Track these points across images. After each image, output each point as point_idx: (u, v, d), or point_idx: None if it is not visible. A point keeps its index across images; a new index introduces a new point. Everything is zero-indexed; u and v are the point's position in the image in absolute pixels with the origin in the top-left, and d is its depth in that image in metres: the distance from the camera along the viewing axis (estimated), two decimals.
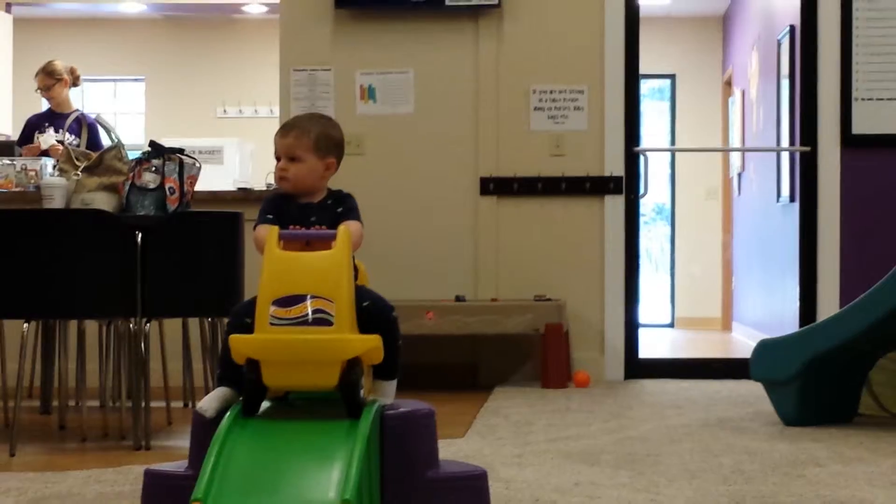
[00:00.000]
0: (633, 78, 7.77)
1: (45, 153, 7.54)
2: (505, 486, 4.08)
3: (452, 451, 4.66)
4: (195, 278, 5.36)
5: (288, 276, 3.24)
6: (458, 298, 7.44)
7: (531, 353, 7.57)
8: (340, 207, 3.52)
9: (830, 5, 7.67)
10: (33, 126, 7.98)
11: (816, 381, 5.58)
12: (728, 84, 13.15)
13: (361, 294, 3.37)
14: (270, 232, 3.33)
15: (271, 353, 3.16)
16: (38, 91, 7.99)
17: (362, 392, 3.20)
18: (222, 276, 5.38)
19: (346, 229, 3.35)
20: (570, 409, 6.21)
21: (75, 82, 8.03)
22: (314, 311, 3.18)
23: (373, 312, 3.36)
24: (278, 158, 3.51)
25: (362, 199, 3.67)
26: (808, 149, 7.78)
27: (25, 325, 5.28)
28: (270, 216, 3.47)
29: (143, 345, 5.25)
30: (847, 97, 7.66)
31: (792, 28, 8.64)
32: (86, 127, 7.60)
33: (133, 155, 5.76)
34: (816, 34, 7.74)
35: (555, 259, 7.64)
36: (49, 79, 7.87)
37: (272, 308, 3.18)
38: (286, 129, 3.53)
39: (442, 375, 7.42)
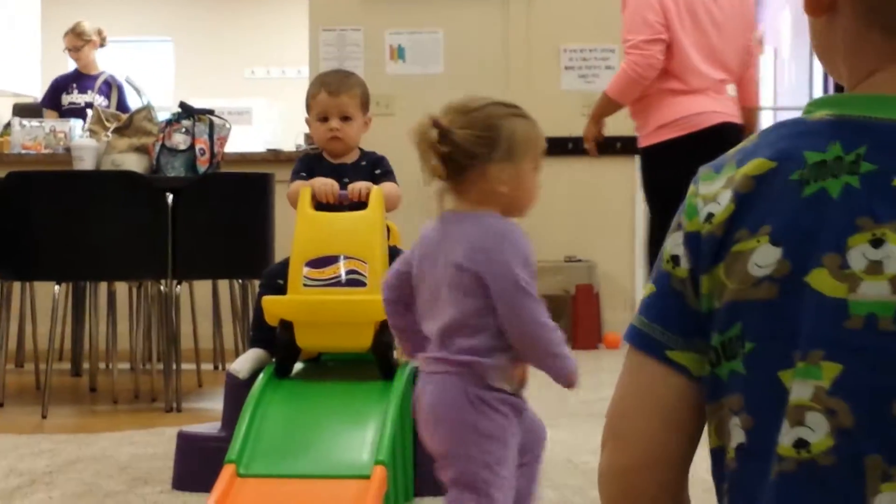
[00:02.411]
0: None
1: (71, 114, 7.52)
2: None
3: None
4: (225, 240, 5.34)
5: (321, 237, 3.22)
6: None
7: (561, 315, 7.53)
8: (378, 170, 3.49)
9: None
10: (60, 87, 7.95)
11: None
12: (759, 42, 13.03)
13: (395, 257, 3.35)
14: (303, 192, 3.31)
15: (304, 315, 3.14)
16: (66, 52, 7.96)
17: (395, 353, 3.18)
18: (253, 237, 5.36)
19: (378, 189, 3.33)
20: (602, 370, 6.17)
21: (102, 43, 8.00)
22: (347, 272, 3.16)
23: None
24: (324, 119, 3.46)
25: (392, 159, 3.64)
26: None
27: (56, 287, 5.27)
28: (304, 174, 3.45)
29: (173, 307, 5.25)
30: None
31: None
32: (115, 88, 7.58)
33: (162, 117, 5.74)
34: None
35: (585, 220, 7.59)
36: (78, 40, 7.84)
37: (305, 269, 3.17)
38: (335, 88, 3.48)
39: None
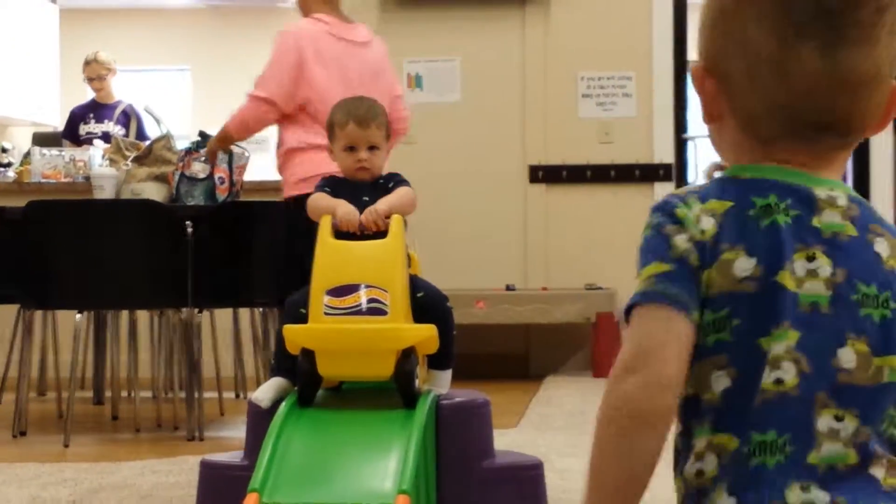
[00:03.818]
0: (681, 64, 7.71)
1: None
2: (560, 477, 4.05)
3: (506, 441, 4.62)
4: (245, 268, 5.36)
5: (341, 266, 3.22)
6: (508, 287, 7.42)
7: (582, 343, 7.53)
8: (392, 182, 3.51)
9: None
10: (77, 117, 8.00)
11: None
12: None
13: (416, 284, 3.35)
14: (324, 219, 3.32)
15: (326, 343, 3.14)
16: (88, 81, 8.01)
17: (417, 382, 3.18)
18: (273, 265, 5.37)
19: (398, 217, 3.34)
20: None
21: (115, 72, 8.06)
22: (368, 301, 3.16)
23: (427, 303, 3.34)
24: (351, 148, 3.48)
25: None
26: None
27: (78, 315, 5.29)
28: (327, 189, 3.47)
29: (194, 335, 5.26)
30: None
31: None
32: (134, 118, 7.62)
33: (181, 145, 5.76)
34: None
35: (605, 247, 7.58)
36: (102, 69, 7.89)
37: (326, 298, 3.17)
38: (364, 119, 3.49)
39: (492, 365, 7.39)
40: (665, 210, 1.32)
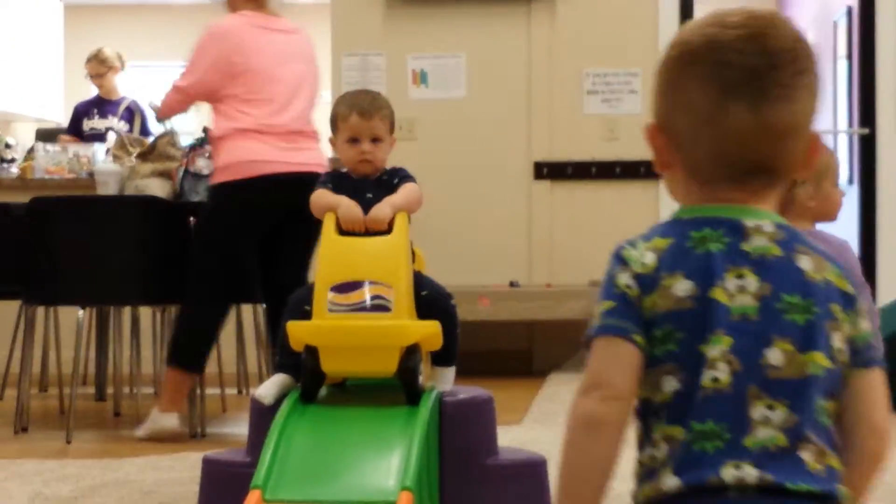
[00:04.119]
0: None
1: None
2: None
3: (510, 437, 4.61)
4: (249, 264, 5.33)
5: (345, 262, 3.21)
6: (512, 284, 7.40)
7: None
8: (396, 178, 3.48)
9: None
10: (81, 113, 7.99)
11: None
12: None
13: (420, 282, 3.33)
14: (328, 216, 3.30)
15: (330, 340, 3.13)
16: (89, 78, 8.00)
17: (421, 378, 3.17)
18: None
19: (403, 215, 3.32)
20: None
21: (123, 67, 8.04)
22: (372, 298, 3.15)
23: (432, 301, 3.32)
24: (354, 140, 3.45)
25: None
26: (866, 131, 7.68)
27: (80, 311, 5.28)
28: (330, 185, 3.44)
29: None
30: None
31: (849, 9, 8.53)
32: (138, 114, 7.60)
33: (185, 142, 5.75)
34: (874, 16, 7.63)
35: (609, 244, 7.36)
36: (101, 66, 7.87)
37: (330, 294, 3.15)
38: (367, 111, 3.47)
39: (496, 361, 7.37)
40: (616, 255, 1.62)
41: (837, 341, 1.58)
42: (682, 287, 1.55)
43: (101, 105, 7.97)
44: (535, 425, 5.16)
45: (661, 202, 7.55)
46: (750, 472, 1.49)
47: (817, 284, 1.57)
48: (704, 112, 1.59)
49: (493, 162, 7.64)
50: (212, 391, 5.67)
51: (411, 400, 3.11)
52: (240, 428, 4.86)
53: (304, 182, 4.01)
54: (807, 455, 1.52)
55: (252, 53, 5.05)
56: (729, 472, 1.49)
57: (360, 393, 3.29)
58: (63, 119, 9.94)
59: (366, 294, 3.16)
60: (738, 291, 1.54)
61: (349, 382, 3.33)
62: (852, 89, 8.27)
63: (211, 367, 5.72)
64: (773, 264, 1.57)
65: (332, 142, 3.55)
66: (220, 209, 5.04)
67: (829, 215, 3.63)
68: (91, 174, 6.34)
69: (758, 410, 1.51)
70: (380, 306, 3.15)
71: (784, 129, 1.58)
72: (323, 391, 3.20)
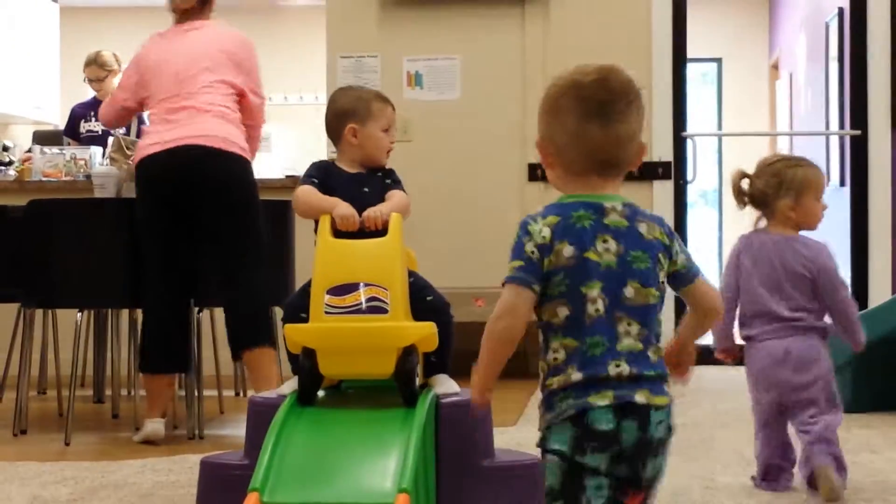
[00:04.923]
0: (680, 62, 7.72)
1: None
2: None
3: (505, 439, 4.64)
4: None
5: (341, 265, 3.24)
6: None
7: None
8: (389, 179, 3.54)
9: None
10: (78, 116, 7.99)
11: (869, 366, 5.53)
12: (775, 67, 13.06)
13: (424, 286, 3.38)
14: (323, 219, 3.33)
15: (327, 342, 3.16)
16: (88, 82, 8.00)
17: (417, 380, 3.19)
18: (273, 263, 5.38)
19: (398, 216, 3.35)
20: None
21: (120, 69, 8.04)
22: (368, 299, 3.18)
23: (435, 308, 3.37)
24: (385, 131, 3.59)
25: (409, 185, 3.68)
26: (858, 132, 7.72)
27: (78, 314, 5.30)
28: (315, 179, 3.46)
29: (195, 333, 5.27)
30: None
31: (840, 11, 8.56)
32: (135, 117, 7.60)
33: None
34: (866, 17, 7.67)
35: None
36: (102, 71, 7.87)
37: (326, 297, 3.18)
38: (387, 101, 3.66)
39: None
40: (523, 227, 2.31)
41: (662, 277, 2.32)
42: (568, 251, 2.25)
43: (98, 107, 7.97)
44: (531, 426, 5.16)
45: (654, 202, 7.58)
46: (624, 367, 2.22)
47: (650, 242, 2.31)
48: (573, 130, 2.30)
49: (487, 163, 7.67)
50: (209, 393, 5.70)
51: (408, 402, 3.14)
52: (238, 430, 4.89)
53: (176, 156, 5.04)
54: (650, 353, 2.26)
55: (155, 55, 5.58)
56: (613, 368, 2.22)
57: (357, 395, 3.32)
58: (60, 121, 9.96)
59: (362, 296, 3.19)
60: (604, 252, 2.25)
61: (345, 384, 3.36)
62: (844, 91, 8.29)
63: (208, 369, 5.75)
64: (624, 232, 2.29)
65: (354, 131, 3.55)
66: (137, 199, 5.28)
67: (810, 226, 4.02)
68: (88, 177, 6.36)
69: (622, 327, 2.24)
70: (376, 308, 3.18)
71: (623, 139, 2.31)
72: (320, 393, 3.23)
